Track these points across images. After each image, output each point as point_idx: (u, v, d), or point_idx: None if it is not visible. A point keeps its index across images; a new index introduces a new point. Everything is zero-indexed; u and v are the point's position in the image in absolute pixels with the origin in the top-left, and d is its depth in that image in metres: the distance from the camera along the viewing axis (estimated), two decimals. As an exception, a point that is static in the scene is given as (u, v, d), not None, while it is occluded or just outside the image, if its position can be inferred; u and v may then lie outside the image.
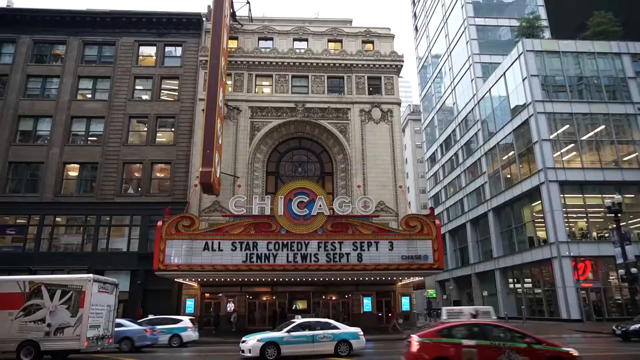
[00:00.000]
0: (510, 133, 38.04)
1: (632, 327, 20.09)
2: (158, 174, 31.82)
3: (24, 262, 28.08)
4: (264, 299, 29.96)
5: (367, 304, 29.65)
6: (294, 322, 16.51)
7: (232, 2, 34.26)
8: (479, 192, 44.49)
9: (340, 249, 23.17)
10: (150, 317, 21.65)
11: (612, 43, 36.59)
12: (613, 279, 31.91)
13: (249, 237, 23.09)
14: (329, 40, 35.54)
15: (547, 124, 33.90)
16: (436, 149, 59.83)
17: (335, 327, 16.31)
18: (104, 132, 31.87)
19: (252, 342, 15.41)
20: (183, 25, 34.42)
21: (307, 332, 15.81)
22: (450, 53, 52.74)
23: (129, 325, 19.12)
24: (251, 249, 22.90)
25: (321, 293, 30.14)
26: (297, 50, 34.40)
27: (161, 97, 33.23)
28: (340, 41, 35.54)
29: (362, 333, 16.53)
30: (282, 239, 23.23)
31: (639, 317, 21.27)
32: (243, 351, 15.52)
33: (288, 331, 15.79)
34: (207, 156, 27.03)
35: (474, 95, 45.73)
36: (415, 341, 10.66)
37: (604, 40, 37.02)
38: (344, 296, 30.21)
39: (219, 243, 22.88)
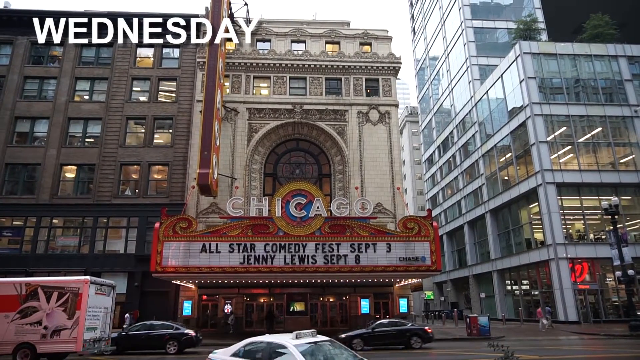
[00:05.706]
0: (507, 135, 38.14)
1: None
2: (155, 176, 31.74)
3: (21, 264, 27.98)
4: (262, 300, 29.89)
5: (364, 305, 29.60)
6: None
7: (229, 4, 34.25)
8: (477, 194, 44.57)
9: (338, 251, 23.11)
10: None
11: (608, 45, 36.77)
12: (610, 280, 32.04)
13: (247, 239, 23.01)
14: (327, 42, 35.56)
15: (544, 126, 34.03)
16: (434, 151, 59.92)
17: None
18: (101, 133, 31.79)
19: None
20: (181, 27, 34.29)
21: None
22: (448, 55, 52.89)
23: None
24: (249, 250, 22.81)
25: (319, 295, 30.10)
26: (295, 52, 34.41)
27: (159, 99, 33.16)
28: (338, 43, 35.57)
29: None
30: (279, 241, 23.14)
31: None
32: None
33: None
34: (204, 158, 26.98)
35: (471, 97, 45.86)
36: None
37: (601, 43, 37.20)
38: (342, 298, 30.18)
39: (217, 245, 22.77)
